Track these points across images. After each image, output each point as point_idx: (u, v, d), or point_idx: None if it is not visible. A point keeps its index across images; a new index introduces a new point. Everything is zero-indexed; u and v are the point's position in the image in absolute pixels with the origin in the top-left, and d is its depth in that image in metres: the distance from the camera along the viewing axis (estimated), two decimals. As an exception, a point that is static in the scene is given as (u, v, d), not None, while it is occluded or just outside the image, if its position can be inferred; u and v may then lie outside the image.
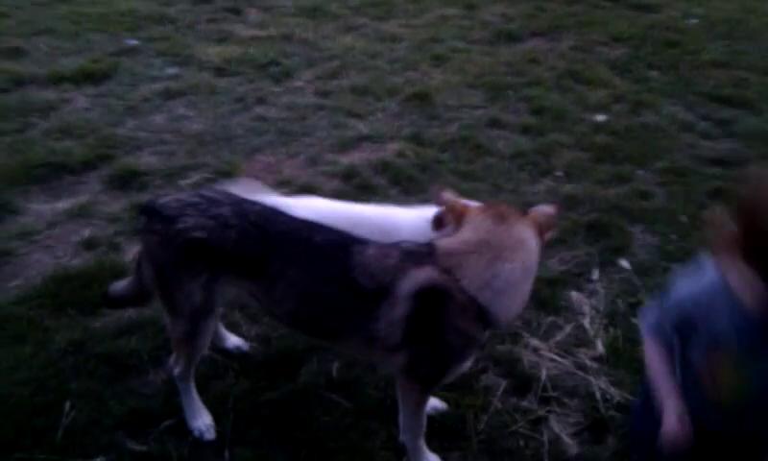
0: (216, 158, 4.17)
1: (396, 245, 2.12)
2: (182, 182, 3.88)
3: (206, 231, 2.14)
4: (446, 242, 2.09)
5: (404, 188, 3.93)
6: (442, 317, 2.03)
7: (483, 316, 2.01)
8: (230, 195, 2.28)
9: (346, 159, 4.24)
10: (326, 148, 4.37)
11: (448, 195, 2.24)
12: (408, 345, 2.07)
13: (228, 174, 3.97)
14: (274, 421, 2.50)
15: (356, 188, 3.91)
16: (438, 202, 2.26)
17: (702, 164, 4.29)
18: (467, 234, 2.09)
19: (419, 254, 2.07)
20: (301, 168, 4.15)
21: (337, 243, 2.13)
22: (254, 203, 2.27)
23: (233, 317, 2.94)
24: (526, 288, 2.08)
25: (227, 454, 2.39)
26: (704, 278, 1.72)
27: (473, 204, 2.25)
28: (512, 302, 2.05)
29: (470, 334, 2.07)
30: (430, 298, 2.01)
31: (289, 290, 2.16)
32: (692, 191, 3.97)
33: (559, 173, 4.16)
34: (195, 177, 3.96)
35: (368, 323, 2.07)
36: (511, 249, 2.03)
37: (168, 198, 2.25)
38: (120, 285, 2.56)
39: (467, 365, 2.17)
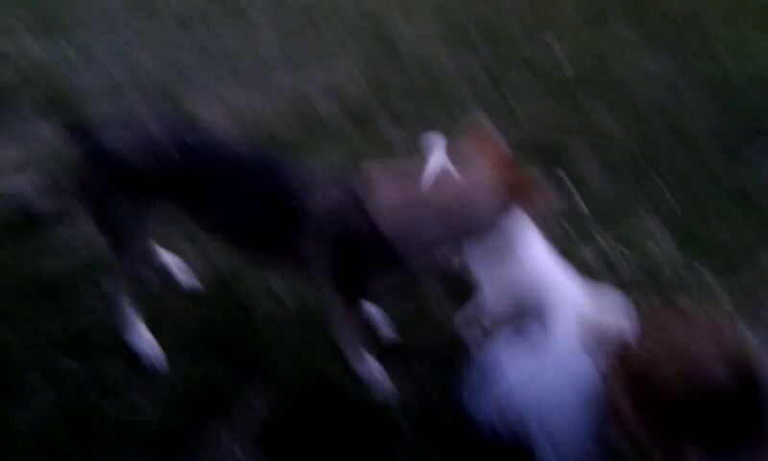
0: (164, 93, 4.01)
1: (323, 171, 2.14)
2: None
3: (135, 152, 2.09)
4: (379, 170, 2.09)
5: (360, 124, 3.87)
6: (353, 241, 2.04)
7: (390, 248, 2.00)
8: (159, 114, 2.23)
9: (300, 95, 4.14)
10: (281, 83, 4.27)
11: (481, 128, 2.12)
12: (328, 263, 2.10)
13: (176, 107, 3.85)
14: (215, 334, 2.50)
15: (310, 124, 3.85)
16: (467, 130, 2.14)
17: (662, 111, 4.27)
18: (412, 166, 2.10)
19: (343, 177, 2.09)
20: (254, 104, 4.05)
21: (264, 163, 2.13)
22: (191, 124, 2.24)
23: (172, 237, 2.89)
24: (441, 237, 1.99)
25: (165, 367, 2.38)
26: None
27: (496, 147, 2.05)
28: (419, 245, 2.01)
29: (381, 261, 2.05)
30: (342, 221, 2.02)
31: (218, 210, 2.16)
32: (650, 132, 3.98)
33: (522, 122, 4.12)
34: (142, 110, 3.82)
35: (291, 241, 2.09)
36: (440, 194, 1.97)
37: (97, 121, 2.20)
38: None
39: (391, 283, 2.20)
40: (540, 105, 4.04)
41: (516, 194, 1.93)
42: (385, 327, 2.56)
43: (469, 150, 2.06)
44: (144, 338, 2.43)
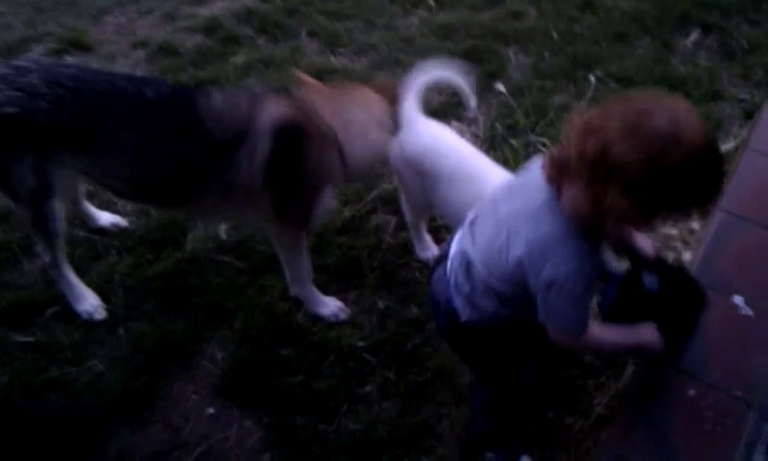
0: (59, 26, 3.77)
1: (244, 91, 2.12)
2: (26, 57, 3.50)
3: (16, 106, 1.93)
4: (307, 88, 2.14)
5: (272, 36, 3.72)
6: (302, 151, 2.02)
7: (340, 153, 2.06)
8: (40, 60, 2.07)
9: (205, 11, 3.94)
10: (183, 0, 4.03)
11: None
12: (270, 186, 2.04)
13: (76, 42, 3.62)
14: (166, 291, 2.45)
15: (221, 42, 3.67)
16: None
17: (592, 7, 4.24)
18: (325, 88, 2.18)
19: (272, 94, 2.07)
20: (157, 26, 3.83)
21: (175, 96, 2.03)
22: (69, 65, 2.09)
23: (106, 194, 2.77)
24: (378, 141, 2.18)
25: (121, 331, 2.33)
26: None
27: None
28: (365, 146, 2.15)
29: (329, 169, 2.10)
30: (290, 133, 1.99)
31: (124, 155, 2.03)
32: (562, 6, 3.97)
33: (431, 2, 4.04)
34: (38, 49, 3.58)
35: (226, 172, 2.01)
36: (366, 101, 2.15)
37: None
38: None
39: (329, 204, 2.24)
40: (468, 11, 3.96)
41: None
42: None
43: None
44: (92, 303, 2.36)
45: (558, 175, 1.41)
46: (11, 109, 1.93)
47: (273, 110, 2.02)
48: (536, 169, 1.50)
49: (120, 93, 1.99)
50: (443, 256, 1.74)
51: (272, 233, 2.26)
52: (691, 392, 1.87)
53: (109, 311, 2.37)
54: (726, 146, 2.87)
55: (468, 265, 1.61)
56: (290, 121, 2.02)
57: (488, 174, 2.14)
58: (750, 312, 2.06)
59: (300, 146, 2.03)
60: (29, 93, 1.93)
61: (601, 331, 1.57)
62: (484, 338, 1.69)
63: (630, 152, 1.25)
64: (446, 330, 1.76)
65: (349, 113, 2.11)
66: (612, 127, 1.28)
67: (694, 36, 3.73)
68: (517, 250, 1.46)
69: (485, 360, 1.79)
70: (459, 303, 1.65)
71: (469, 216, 1.69)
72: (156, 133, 1.99)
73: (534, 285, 1.46)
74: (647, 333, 1.60)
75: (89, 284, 2.40)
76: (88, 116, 1.97)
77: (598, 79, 3.42)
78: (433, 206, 2.29)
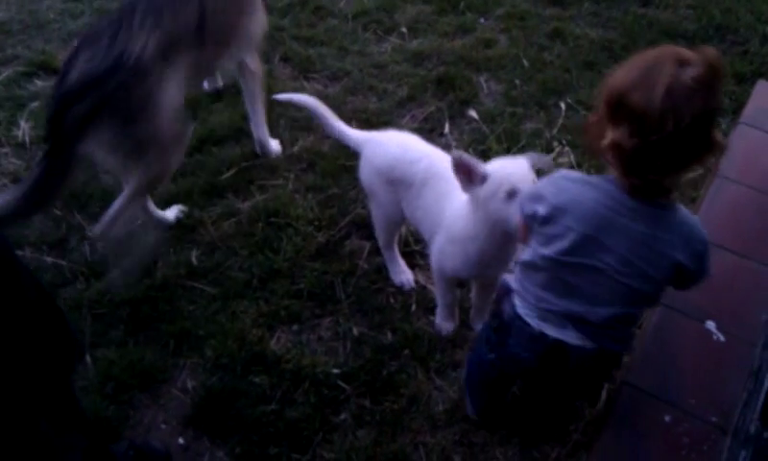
0: (28, 49, 3.71)
1: None
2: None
3: (163, 27, 2.30)
4: None
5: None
6: None
7: None
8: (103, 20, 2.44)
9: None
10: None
11: None
12: None
13: (45, 65, 3.56)
14: (135, 319, 2.39)
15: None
16: None
17: (540, 6, 4.33)
18: None
19: None
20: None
21: None
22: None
23: (74, 220, 2.72)
24: None
25: (89, 359, 2.26)
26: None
27: None
28: None
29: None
30: None
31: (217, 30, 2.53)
32: (532, 34, 4.03)
33: (404, 29, 4.07)
34: (6, 72, 3.52)
35: None
36: None
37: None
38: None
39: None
40: (440, 39, 3.99)
41: None
42: None
43: None
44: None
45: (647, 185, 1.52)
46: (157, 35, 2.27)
47: None
48: (597, 206, 1.58)
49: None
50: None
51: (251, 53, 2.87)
52: (667, 418, 1.87)
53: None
54: (695, 173, 2.91)
55: (588, 320, 1.62)
56: None
57: None
58: (722, 338, 2.08)
59: None
60: (149, 19, 2.26)
61: None
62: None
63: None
64: (582, 364, 1.71)
65: None
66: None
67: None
68: (669, 260, 1.56)
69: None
70: (606, 342, 1.66)
71: (541, 294, 1.69)
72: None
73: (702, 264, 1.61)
74: None
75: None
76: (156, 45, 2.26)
77: (568, 106, 3.47)
78: (405, 212, 2.31)
